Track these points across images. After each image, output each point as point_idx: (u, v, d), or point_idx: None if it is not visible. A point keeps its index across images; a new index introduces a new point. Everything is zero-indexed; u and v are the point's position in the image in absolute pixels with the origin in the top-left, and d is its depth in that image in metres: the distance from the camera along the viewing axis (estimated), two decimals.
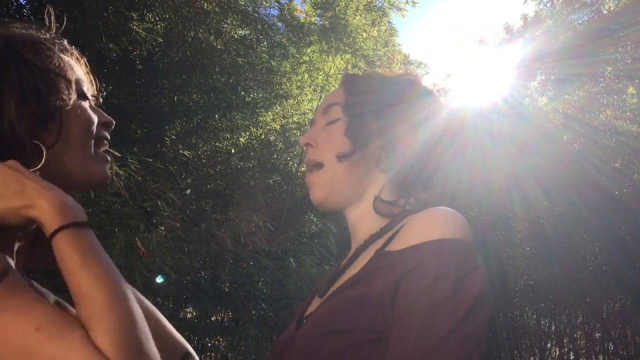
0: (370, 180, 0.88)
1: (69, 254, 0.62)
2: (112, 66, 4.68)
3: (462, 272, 0.66)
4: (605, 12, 7.15)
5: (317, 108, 0.98)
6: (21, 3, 4.29)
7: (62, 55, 0.81)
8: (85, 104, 0.84)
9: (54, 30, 0.85)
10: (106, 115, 0.88)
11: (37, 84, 0.75)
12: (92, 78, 0.88)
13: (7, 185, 0.65)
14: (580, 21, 7.76)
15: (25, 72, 0.75)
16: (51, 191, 0.66)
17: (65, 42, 0.85)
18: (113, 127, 0.89)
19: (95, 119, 0.85)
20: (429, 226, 0.71)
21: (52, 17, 0.86)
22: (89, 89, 0.85)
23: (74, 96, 0.80)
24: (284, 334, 0.86)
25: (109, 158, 0.86)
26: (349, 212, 0.89)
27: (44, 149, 0.74)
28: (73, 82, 0.80)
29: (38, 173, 0.72)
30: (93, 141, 0.83)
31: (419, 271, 0.67)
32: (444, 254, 0.67)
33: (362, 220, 0.88)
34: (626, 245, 6.69)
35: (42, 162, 0.74)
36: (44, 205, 0.64)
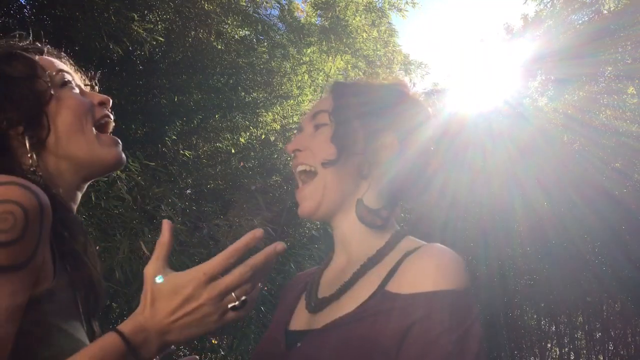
0: (357, 187, 0.87)
1: (107, 348, 0.67)
2: (113, 66, 4.68)
3: (465, 324, 0.69)
4: (605, 12, 7.14)
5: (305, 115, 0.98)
6: (22, 3, 4.29)
7: (36, 57, 0.84)
8: (70, 92, 0.85)
9: (30, 37, 0.89)
10: (100, 94, 0.89)
11: (10, 92, 0.78)
12: (76, 68, 0.91)
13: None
14: (580, 21, 7.76)
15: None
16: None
17: (39, 44, 0.88)
18: (111, 103, 0.91)
19: (86, 101, 0.86)
20: (436, 273, 0.72)
21: (30, 29, 0.92)
22: (74, 77, 0.87)
23: (51, 90, 0.82)
24: (270, 344, 0.86)
25: (118, 140, 0.88)
26: (336, 220, 0.89)
27: (27, 143, 0.79)
28: (49, 77, 0.83)
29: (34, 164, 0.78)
30: (92, 124, 0.85)
31: (427, 322, 0.69)
32: (450, 306, 0.70)
33: (354, 233, 0.87)
34: (626, 246, 6.68)
35: (29, 153, 0.78)
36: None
